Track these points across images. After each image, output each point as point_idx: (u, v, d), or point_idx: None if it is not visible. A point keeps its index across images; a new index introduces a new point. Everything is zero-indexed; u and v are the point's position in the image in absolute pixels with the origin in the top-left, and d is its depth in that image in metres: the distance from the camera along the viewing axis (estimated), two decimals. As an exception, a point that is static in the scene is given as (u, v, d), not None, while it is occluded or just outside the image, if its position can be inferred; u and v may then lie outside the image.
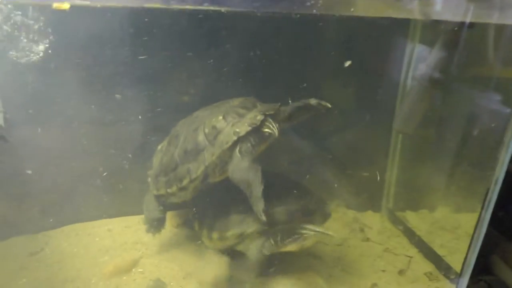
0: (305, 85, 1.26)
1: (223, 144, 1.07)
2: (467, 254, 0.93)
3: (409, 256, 1.39)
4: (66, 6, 0.93)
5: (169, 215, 1.51)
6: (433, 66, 1.18)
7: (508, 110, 0.91)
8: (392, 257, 1.39)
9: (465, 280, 0.98)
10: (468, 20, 1.01)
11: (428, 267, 1.35)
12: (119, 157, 1.39)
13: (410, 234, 1.47)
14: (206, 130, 1.12)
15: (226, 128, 1.09)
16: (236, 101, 1.18)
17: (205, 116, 1.18)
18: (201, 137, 1.12)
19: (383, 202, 1.60)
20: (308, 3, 0.75)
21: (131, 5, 1.06)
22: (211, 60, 1.28)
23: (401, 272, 1.32)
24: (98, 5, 0.98)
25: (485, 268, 1.47)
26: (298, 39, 1.30)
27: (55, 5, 0.93)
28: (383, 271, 1.33)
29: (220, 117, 1.11)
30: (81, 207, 1.45)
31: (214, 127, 1.11)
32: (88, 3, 0.95)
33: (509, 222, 1.47)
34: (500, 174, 0.86)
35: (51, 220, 1.41)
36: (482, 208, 0.88)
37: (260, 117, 1.08)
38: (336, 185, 1.50)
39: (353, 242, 1.45)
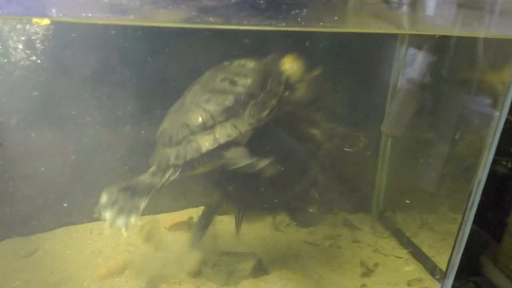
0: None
1: (193, 152, 1.10)
2: (451, 255, 0.95)
3: (398, 257, 1.41)
4: (46, 22, 0.97)
5: (162, 216, 1.53)
6: (420, 70, 1.20)
7: (490, 113, 0.93)
8: (381, 258, 1.41)
9: (449, 281, 1.00)
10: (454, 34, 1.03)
11: (417, 268, 1.37)
12: (112, 159, 1.41)
13: (399, 235, 1.49)
14: (179, 127, 1.13)
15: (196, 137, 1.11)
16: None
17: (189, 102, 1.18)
18: (176, 131, 1.14)
19: (373, 203, 1.62)
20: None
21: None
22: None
23: (390, 273, 1.34)
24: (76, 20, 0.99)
25: (475, 269, 1.49)
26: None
27: (35, 20, 0.96)
28: (374, 272, 1.35)
29: (195, 117, 1.11)
30: (74, 209, 1.46)
31: (186, 126, 1.12)
32: (67, 19, 0.97)
33: (498, 223, 1.50)
34: (482, 176, 0.88)
35: (44, 222, 1.42)
36: (465, 210, 0.90)
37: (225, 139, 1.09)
38: (327, 187, 1.52)
39: (344, 243, 1.47)
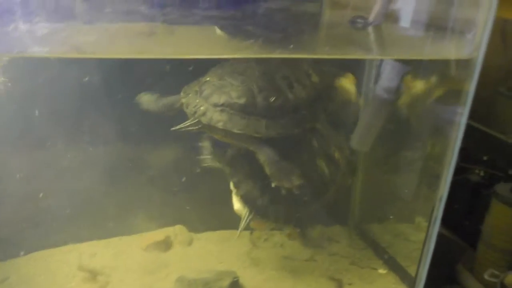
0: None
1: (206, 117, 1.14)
2: (417, 269, 0.96)
3: (374, 268, 1.42)
4: None
5: (138, 237, 1.53)
6: (386, 84, 1.22)
7: (449, 127, 0.95)
8: (358, 270, 1.42)
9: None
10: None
11: (392, 278, 1.38)
12: (87, 181, 1.40)
13: (375, 246, 1.51)
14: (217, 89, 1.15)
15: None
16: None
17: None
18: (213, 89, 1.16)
19: (350, 216, 1.64)
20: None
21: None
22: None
23: (366, 285, 1.35)
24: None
25: (452, 277, 1.51)
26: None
27: None
28: (350, 284, 1.36)
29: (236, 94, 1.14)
30: (48, 233, 1.45)
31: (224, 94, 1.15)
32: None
33: (473, 231, 1.52)
34: (443, 192, 0.90)
35: (18, 246, 1.40)
36: (428, 225, 0.92)
37: None
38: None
39: (321, 257, 1.48)
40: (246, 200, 1.27)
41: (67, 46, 0.84)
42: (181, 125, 1.20)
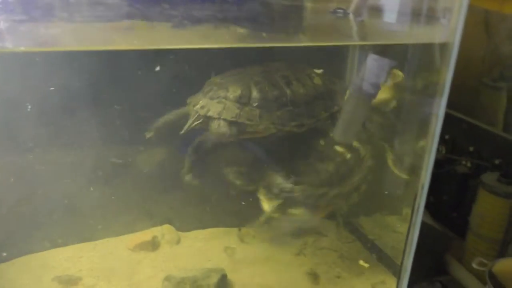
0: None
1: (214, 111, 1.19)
2: (402, 258, 0.96)
3: (362, 261, 1.42)
4: None
5: (125, 238, 1.51)
6: (368, 76, 1.22)
7: (429, 114, 0.94)
8: (346, 263, 1.42)
9: (404, 284, 1.01)
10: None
11: (381, 270, 1.38)
12: (72, 184, 1.39)
13: (363, 239, 1.51)
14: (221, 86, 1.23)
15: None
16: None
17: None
18: (218, 87, 1.24)
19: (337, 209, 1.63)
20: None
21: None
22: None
23: (354, 277, 1.35)
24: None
25: (442, 268, 1.51)
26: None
27: None
28: (338, 277, 1.36)
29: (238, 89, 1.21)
30: (33, 237, 1.43)
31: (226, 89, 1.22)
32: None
33: (462, 221, 1.53)
34: (425, 180, 0.90)
35: (2, 251, 1.38)
36: (412, 213, 0.92)
37: None
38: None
39: (310, 250, 1.47)
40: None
41: (36, 39, 0.83)
42: (187, 125, 1.25)
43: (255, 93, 1.20)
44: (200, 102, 1.23)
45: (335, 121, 1.31)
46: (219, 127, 1.20)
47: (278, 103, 1.21)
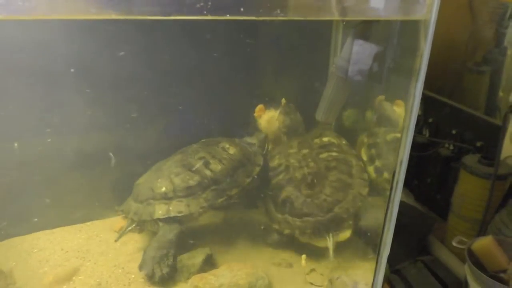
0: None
1: (147, 215, 1.30)
2: (382, 234, 0.98)
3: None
4: None
5: (111, 220, 1.52)
6: (349, 57, 1.23)
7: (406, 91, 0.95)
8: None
9: (383, 260, 1.03)
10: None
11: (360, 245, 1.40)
12: (57, 168, 1.39)
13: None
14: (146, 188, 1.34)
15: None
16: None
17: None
18: (143, 190, 1.35)
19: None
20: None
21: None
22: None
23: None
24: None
25: (424, 249, 1.54)
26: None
27: None
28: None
29: (161, 185, 1.32)
30: (19, 220, 1.42)
31: (151, 190, 1.33)
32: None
33: (445, 203, 1.56)
34: (403, 156, 0.91)
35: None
36: (390, 189, 0.94)
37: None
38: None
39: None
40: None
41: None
42: (121, 234, 1.38)
43: (178, 185, 1.29)
44: (132, 208, 1.33)
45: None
46: (156, 226, 1.31)
47: (201, 187, 1.29)
